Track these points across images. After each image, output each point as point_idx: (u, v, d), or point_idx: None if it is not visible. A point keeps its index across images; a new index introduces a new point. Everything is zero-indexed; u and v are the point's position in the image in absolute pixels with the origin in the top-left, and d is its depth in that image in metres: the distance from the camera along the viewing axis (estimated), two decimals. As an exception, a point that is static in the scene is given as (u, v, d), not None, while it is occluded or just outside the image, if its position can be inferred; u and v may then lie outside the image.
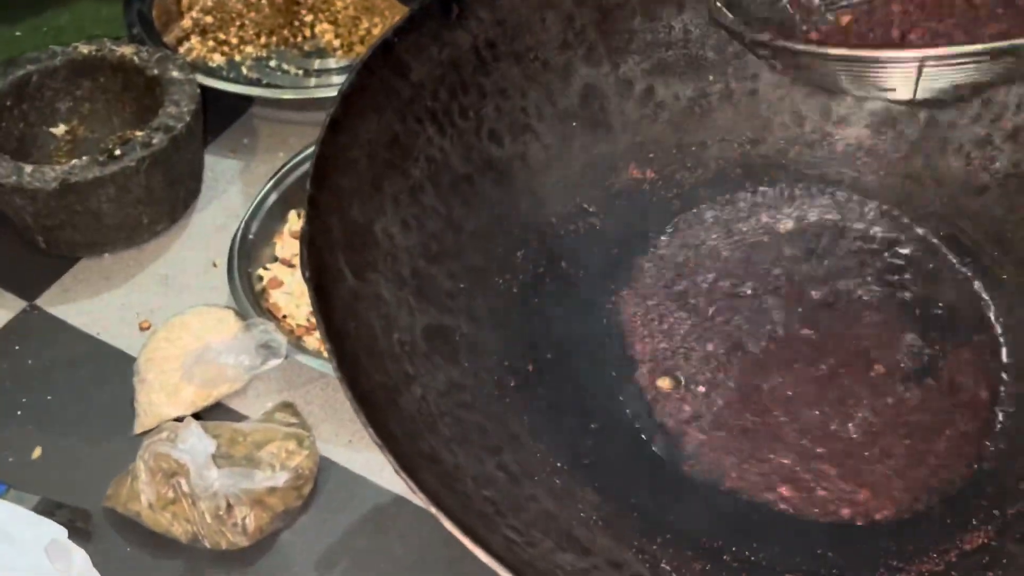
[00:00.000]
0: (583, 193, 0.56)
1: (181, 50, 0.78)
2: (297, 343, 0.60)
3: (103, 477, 0.55)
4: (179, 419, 0.57)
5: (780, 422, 0.50)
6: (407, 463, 0.34)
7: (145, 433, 0.57)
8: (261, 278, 0.64)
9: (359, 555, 0.53)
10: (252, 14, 0.81)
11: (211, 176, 0.72)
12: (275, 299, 0.63)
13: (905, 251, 0.56)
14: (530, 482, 0.43)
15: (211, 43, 0.79)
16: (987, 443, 0.49)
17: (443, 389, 0.43)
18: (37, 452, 0.57)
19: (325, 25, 0.81)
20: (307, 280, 0.38)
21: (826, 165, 0.59)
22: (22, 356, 0.62)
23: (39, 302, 0.65)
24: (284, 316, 0.63)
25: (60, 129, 0.71)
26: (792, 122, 0.59)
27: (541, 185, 0.54)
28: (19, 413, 0.59)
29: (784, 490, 0.47)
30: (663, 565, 0.42)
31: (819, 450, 0.49)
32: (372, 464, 0.57)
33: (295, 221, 0.68)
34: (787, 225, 0.58)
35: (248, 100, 0.77)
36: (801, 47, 0.45)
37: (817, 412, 0.50)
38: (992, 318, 0.53)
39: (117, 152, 0.63)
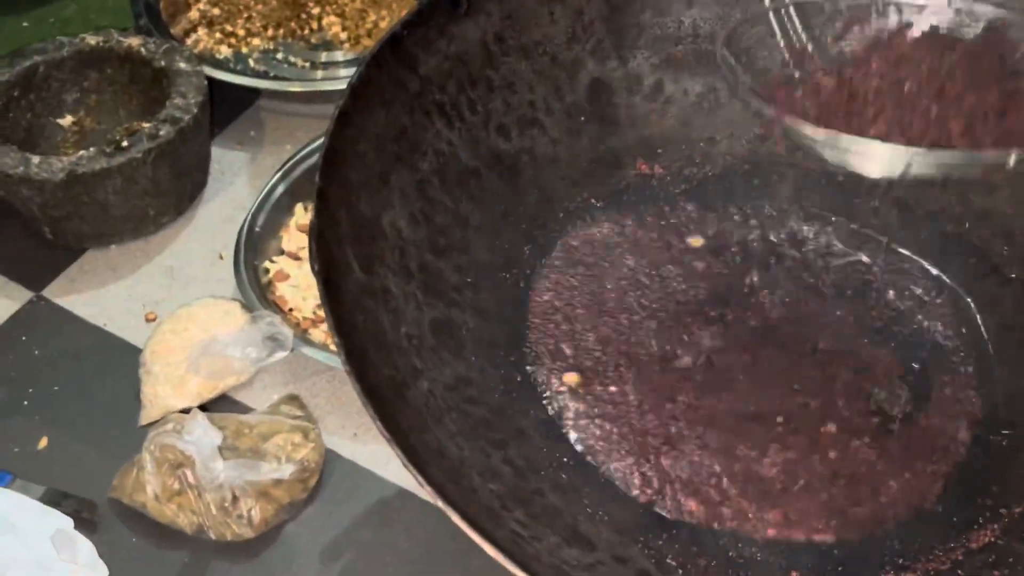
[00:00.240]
0: (590, 188, 0.56)
1: (188, 42, 0.78)
2: (303, 336, 0.60)
3: (108, 468, 0.55)
4: (185, 411, 0.57)
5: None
6: (415, 457, 0.34)
7: (151, 424, 0.58)
8: (267, 271, 0.64)
9: (364, 548, 0.53)
10: (259, 6, 0.81)
11: (217, 168, 0.72)
12: (281, 292, 0.63)
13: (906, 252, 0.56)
14: (536, 477, 0.43)
15: (218, 35, 0.79)
16: (991, 440, 0.48)
17: (450, 383, 0.43)
18: (43, 442, 0.58)
19: (332, 18, 0.81)
20: (316, 273, 0.38)
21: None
22: (28, 347, 0.62)
23: (45, 293, 0.65)
24: (290, 309, 0.63)
25: (67, 120, 0.71)
26: (801, 118, 0.58)
27: (548, 180, 0.54)
28: (25, 403, 0.59)
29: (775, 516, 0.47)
30: (668, 560, 0.42)
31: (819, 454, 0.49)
32: (377, 457, 0.57)
33: (302, 214, 0.68)
34: (787, 222, 0.58)
35: (255, 92, 0.77)
36: (807, 130, 0.45)
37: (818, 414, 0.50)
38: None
39: (124, 144, 0.63)
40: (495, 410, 0.45)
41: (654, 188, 0.57)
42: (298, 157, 0.68)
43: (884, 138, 0.46)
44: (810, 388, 0.51)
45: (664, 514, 0.45)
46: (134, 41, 0.69)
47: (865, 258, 0.57)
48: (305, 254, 0.65)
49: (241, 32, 0.80)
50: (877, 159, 0.45)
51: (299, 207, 0.68)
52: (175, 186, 0.67)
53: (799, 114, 0.46)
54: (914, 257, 0.56)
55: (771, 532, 0.45)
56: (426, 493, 0.52)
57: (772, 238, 0.57)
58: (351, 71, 0.77)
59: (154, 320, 0.64)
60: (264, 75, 0.77)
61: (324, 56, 0.79)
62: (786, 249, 0.57)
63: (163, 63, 0.68)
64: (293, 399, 0.59)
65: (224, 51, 0.78)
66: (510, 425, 0.45)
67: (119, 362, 0.61)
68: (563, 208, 0.54)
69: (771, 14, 0.52)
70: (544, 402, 0.47)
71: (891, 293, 0.55)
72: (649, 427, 0.48)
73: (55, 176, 0.61)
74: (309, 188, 0.67)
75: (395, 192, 0.45)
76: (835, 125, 0.47)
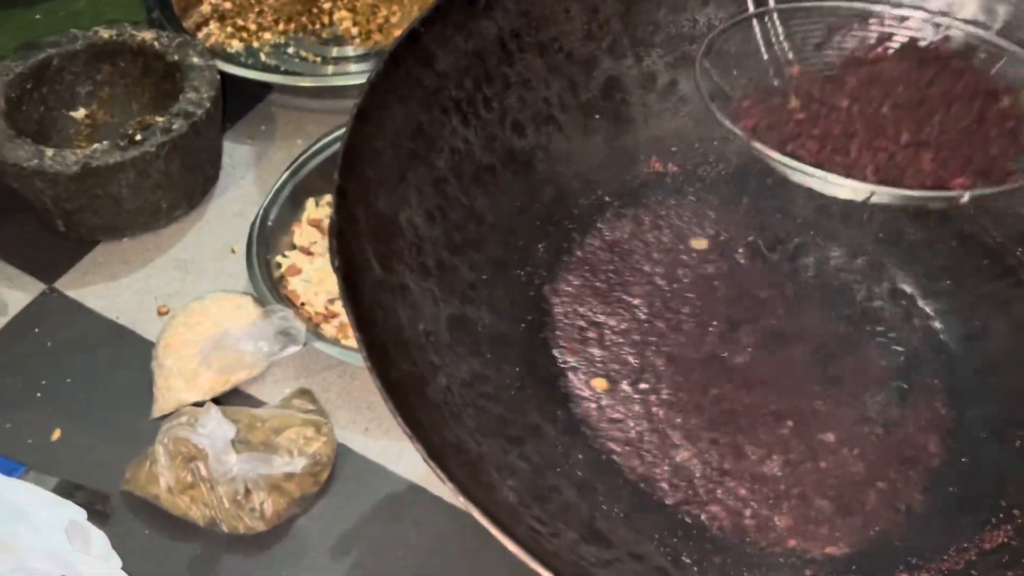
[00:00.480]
0: (605, 186, 0.56)
1: (199, 35, 0.78)
2: (315, 330, 0.60)
3: (121, 460, 0.56)
4: (198, 404, 0.57)
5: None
6: (436, 453, 0.34)
7: (163, 417, 0.58)
8: (279, 265, 0.65)
9: (374, 542, 0.54)
10: (271, 1, 0.81)
11: (229, 162, 0.73)
12: (293, 286, 0.64)
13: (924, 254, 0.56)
14: (552, 473, 0.43)
15: (229, 29, 0.79)
16: (1005, 440, 0.49)
17: (467, 380, 0.43)
18: (56, 434, 0.58)
19: (343, 13, 0.81)
20: (336, 270, 0.38)
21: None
22: (41, 339, 0.62)
23: (58, 285, 0.65)
24: (302, 303, 0.63)
25: (80, 113, 0.71)
26: (816, 118, 0.58)
27: (562, 177, 0.54)
28: (38, 395, 0.59)
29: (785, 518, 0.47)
30: (684, 558, 0.42)
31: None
32: (388, 452, 0.57)
33: (312, 209, 0.68)
34: (801, 220, 0.58)
35: (266, 87, 0.77)
36: (772, 155, 0.46)
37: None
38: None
39: (137, 137, 0.63)
40: (511, 407, 0.45)
41: (668, 186, 0.57)
42: (309, 152, 0.68)
43: (852, 166, 0.46)
44: (831, 391, 0.51)
45: (684, 517, 0.45)
46: (147, 35, 0.69)
47: (878, 257, 0.57)
48: (317, 249, 0.66)
49: (252, 26, 0.80)
50: (840, 189, 0.46)
51: (310, 202, 0.68)
52: (187, 180, 0.67)
53: (766, 139, 0.47)
54: (928, 257, 0.56)
55: (792, 543, 0.46)
56: (439, 489, 0.53)
57: (786, 237, 0.57)
58: (362, 66, 0.77)
59: (166, 313, 0.64)
60: (275, 70, 0.77)
61: (335, 51, 0.79)
62: (800, 249, 0.57)
63: (176, 57, 0.68)
64: (305, 393, 0.59)
65: (235, 45, 0.78)
66: (526, 422, 0.45)
67: (131, 355, 0.61)
68: (577, 205, 0.54)
69: (754, 20, 0.52)
70: (560, 399, 0.48)
71: (905, 293, 0.55)
72: (665, 426, 0.48)
73: (69, 169, 0.61)
74: (320, 183, 0.68)
75: (412, 189, 0.45)
76: (806, 148, 0.47)
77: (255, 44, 0.79)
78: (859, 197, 0.45)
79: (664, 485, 0.46)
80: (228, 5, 0.81)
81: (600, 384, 0.50)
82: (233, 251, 0.67)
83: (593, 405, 0.49)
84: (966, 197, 0.45)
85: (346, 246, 0.39)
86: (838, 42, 0.53)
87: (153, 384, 0.59)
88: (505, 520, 0.34)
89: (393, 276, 0.42)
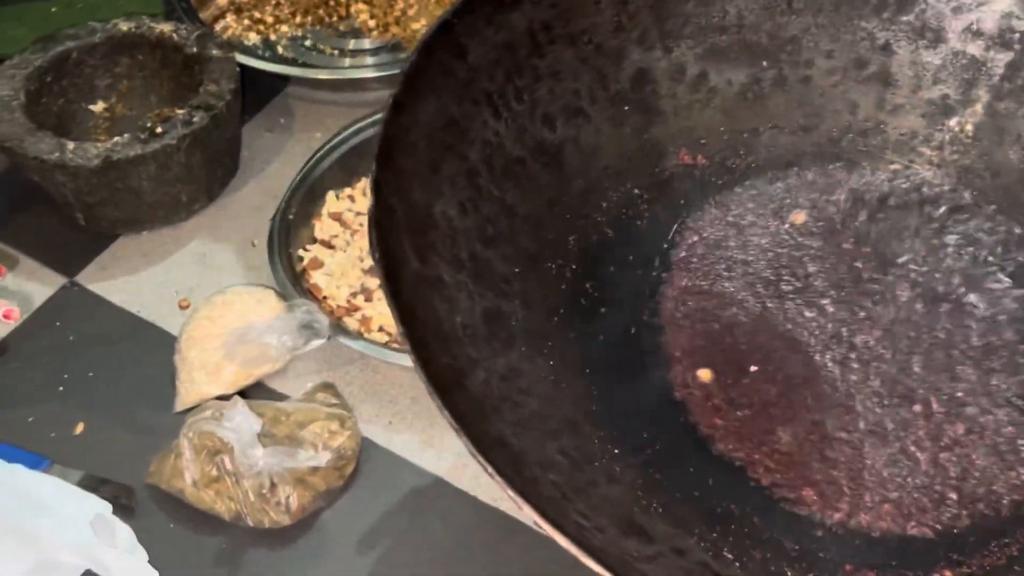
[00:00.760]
0: (634, 178, 0.55)
1: (217, 28, 0.78)
2: (337, 324, 0.60)
3: (145, 453, 0.55)
4: (222, 398, 0.57)
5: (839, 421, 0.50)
6: (482, 447, 0.34)
7: (186, 411, 0.58)
8: (301, 259, 0.64)
9: (399, 536, 0.53)
10: (288, -7, 0.81)
11: (247, 155, 0.72)
12: (315, 280, 0.63)
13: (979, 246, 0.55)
14: (590, 468, 0.43)
15: (246, 22, 0.79)
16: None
17: (504, 373, 0.43)
18: (79, 428, 0.58)
19: (360, 5, 0.81)
20: (377, 263, 0.37)
21: (879, 155, 0.58)
22: (63, 332, 0.62)
23: (79, 279, 0.65)
24: (324, 297, 0.63)
25: (99, 106, 0.70)
26: (845, 110, 0.58)
27: (592, 169, 0.54)
28: (61, 389, 0.59)
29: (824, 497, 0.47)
30: (725, 553, 0.42)
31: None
32: (412, 446, 0.57)
33: (333, 202, 0.68)
34: (836, 218, 0.57)
35: (283, 79, 0.76)
36: None
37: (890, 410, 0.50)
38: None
39: (158, 130, 0.63)
40: (546, 401, 0.44)
41: (697, 179, 0.57)
42: (329, 145, 0.68)
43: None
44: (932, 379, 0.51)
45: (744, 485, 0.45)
46: (166, 27, 0.69)
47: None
48: (338, 242, 0.65)
49: (269, 19, 0.79)
50: None
51: (330, 195, 0.68)
52: (207, 172, 0.67)
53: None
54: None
55: (838, 516, 0.46)
56: (463, 482, 0.53)
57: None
58: (379, 59, 0.77)
59: (187, 307, 0.63)
60: (292, 62, 0.76)
61: (352, 43, 0.79)
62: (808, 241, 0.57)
63: (195, 49, 0.68)
64: (328, 387, 0.59)
65: (252, 38, 0.78)
66: (562, 416, 0.45)
67: (153, 348, 0.61)
68: (607, 198, 0.54)
69: None
70: (594, 391, 0.47)
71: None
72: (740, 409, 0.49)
73: (90, 162, 0.61)
74: (340, 177, 0.68)
75: (445, 181, 0.45)
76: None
77: (272, 37, 0.78)
78: None
79: (700, 479, 0.45)
80: (245, -3, 0.80)
81: (704, 375, 0.51)
82: (253, 244, 0.67)
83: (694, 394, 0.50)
84: None
85: (385, 238, 0.39)
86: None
87: (176, 378, 0.59)
88: (554, 515, 0.33)
89: (429, 268, 0.42)
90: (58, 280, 0.65)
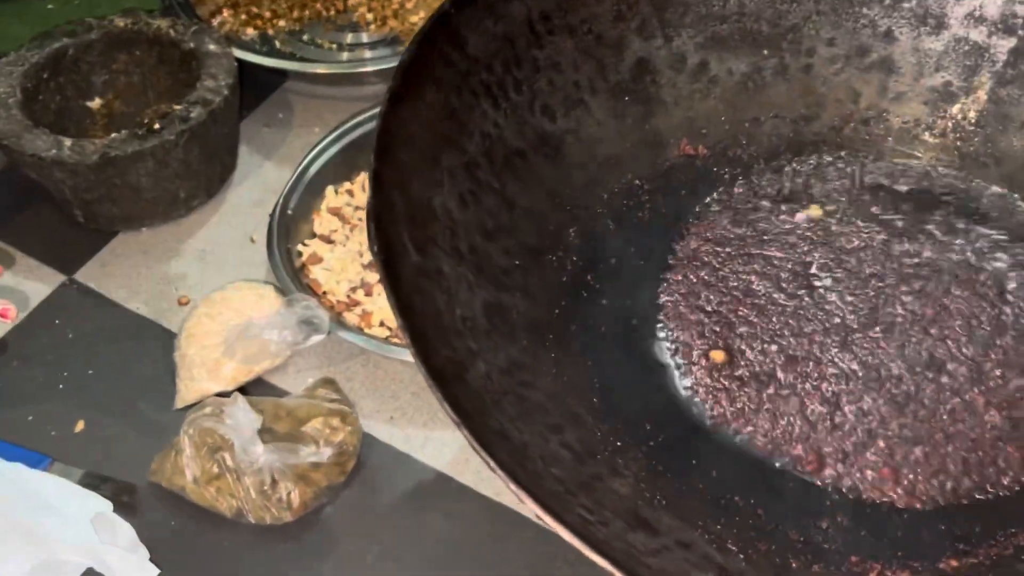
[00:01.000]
0: (635, 169, 0.55)
1: (214, 23, 0.77)
2: (337, 319, 0.60)
3: (145, 451, 0.55)
4: (222, 394, 0.57)
5: (841, 400, 0.50)
6: (483, 440, 0.34)
7: (186, 408, 0.57)
8: (300, 254, 0.64)
9: (402, 531, 0.53)
10: (285, -13, 0.80)
11: (246, 151, 0.72)
12: (315, 275, 0.63)
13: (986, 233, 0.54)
14: (593, 461, 0.42)
15: (244, 16, 0.78)
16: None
17: (504, 367, 0.42)
18: (80, 426, 0.57)
19: (358, -2, 0.80)
20: (375, 255, 0.37)
21: (881, 143, 0.58)
22: (62, 330, 0.62)
23: (78, 276, 0.65)
24: (324, 292, 0.62)
25: (96, 103, 0.70)
26: (847, 98, 0.58)
27: (593, 161, 0.53)
28: (61, 387, 0.59)
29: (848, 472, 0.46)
30: (729, 545, 0.41)
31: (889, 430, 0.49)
32: (414, 441, 0.57)
33: (332, 197, 0.67)
34: (837, 207, 0.57)
35: (281, 74, 0.76)
36: None
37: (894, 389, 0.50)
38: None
39: (156, 126, 0.63)
40: (548, 395, 0.44)
41: (699, 169, 0.56)
42: (327, 140, 0.68)
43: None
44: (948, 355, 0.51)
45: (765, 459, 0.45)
46: (163, 23, 0.69)
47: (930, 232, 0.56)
48: (337, 237, 0.65)
49: (267, 13, 0.79)
50: None
51: (330, 190, 0.67)
52: (206, 168, 0.66)
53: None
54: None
55: (828, 472, 0.46)
56: (465, 477, 0.52)
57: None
58: (377, 52, 0.77)
59: (187, 304, 0.63)
60: (290, 57, 0.76)
61: (350, 37, 0.78)
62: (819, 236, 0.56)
63: (192, 45, 0.67)
64: (329, 383, 0.59)
65: (250, 32, 0.78)
66: (564, 409, 0.44)
67: (153, 345, 0.61)
68: (608, 190, 0.54)
69: None
70: (598, 383, 0.47)
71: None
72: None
73: (88, 159, 0.61)
74: (339, 171, 0.68)
75: (444, 173, 0.45)
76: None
77: (270, 31, 0.78)
78: None
79: (704, 470, 0.45)
80: (242, -8, 0.80)
81: (717, 356, 0.51)
82: (252, 240, 0.67)
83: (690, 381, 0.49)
84: None
85: (384, 231, 0.39)
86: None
87: (176, 375, 0.59)
88: (557, 509, 0.33)
89: (429, 261, 0.41)
90: (57, 278, 0.64)
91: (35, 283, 0.64)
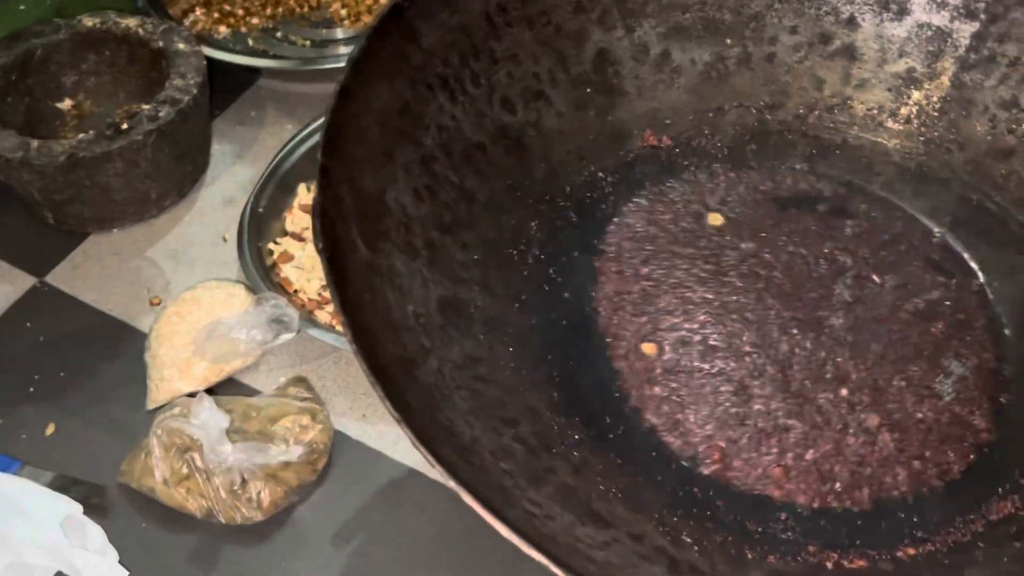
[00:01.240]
0: (598, 161, 0.55)
1: (186, 22, 0.77)
2: (309, 317, 0.60)
3: (116, 453, 0.55)
4: (192, 395, 0.57)
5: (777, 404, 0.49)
6: (424, 436, 0.34)
7: (158, 409, 0.57)
8: (271, 252, 0.64)
9: (374, 529, 0.53)
10: (257, -16, 0.80)
11: (219, 150, 0.72)
12: (286, 273, 0.63)
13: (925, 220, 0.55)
14: (548, 455, 0.42)
15: (216, 15, 0.78)
16: (1013, 411, 0.48)
17: (459, 362, 0.42)
18: (51, 429, 0.57)
19: (332, -6, 0.80)
20: (320, 251, 0.37)
21: (846, 130, 0.57)
22: (33, 333, 0.62)
23: (49, 279, 0.64)
24: (295, 291, 0.62)
25: (66, 104, 0.70)
26: (811, 86, 0.57)
27: (555, 153, 0.53)
28: (31, 390, 0.59)
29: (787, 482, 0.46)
30: (684, 537, 0.41)
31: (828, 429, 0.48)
32: (386, 438, 0.56)
33: (304, 195, 0.67)
34: (798, 196, 0.57)
35: (255, 72, 0.76)
36: None
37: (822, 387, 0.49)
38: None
39: (124, 126, 0.62)
40: (505, 389, 0.44)
41: (662, 160, 0.56)
42: (300, 137, 0.68)
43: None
44: (844, 364, 0.51)
45: (692, 467, 0.45)
46: (132, 22, 0.68)
47: (880, 227, 0.55)
48: (309, 235, 0.65)
49: (239, 11, 0.79)
50: None
51: (302, 187, 0.67)
52: (176, 168, 0.66)
53: None
54: (930, 226, 0.55)
55: (776, 493, 0.45)
56: (437, 473, 0.52)
57: (784, 209, 0.56)
58: (352, 49, 0.76)
59: (158, 304, 0.63)
60: (263, 54, 0.76)
61: (324, 34, 0.78)
62: (798, 222, 0.56)
63: (161, 44, 0.67)
64: (300, 381, 0.58)
65: (223, 31, 0.77)
66: (521, 403, 0.44)
67: (125, 347, 0.61)
68: (570, 182, 0.53)
69: None
70: (557, 377, 0.47)
71: (910, 265, 0.54)
72: (678, 396, 0.48)
73: (55, 160, 0.61)
74: (312, 168, 0.66)
75: (399, 168, 0.45)
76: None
77: (243, 29, 0.78)
78: None
79: (659, 464, 0.45)
80: (214, -10, 0.79)
81: (649, 348, 0.50)
82: (225, 239, 0.67)
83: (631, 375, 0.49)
84: None
85: (330, 227, 0.38)
86: None
87: (147, 375, 0.59)
88: (498, 503, 0.33)
89: (380, 257, 0.41)
90: (28, 280, 0.64)
91: (5, 286, 0.64)
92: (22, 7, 0.76)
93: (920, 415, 0.48)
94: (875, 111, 0.57)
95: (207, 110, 0.68)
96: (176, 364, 0.58)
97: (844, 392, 0.49)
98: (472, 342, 0.44)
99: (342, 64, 0.72)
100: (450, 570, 0.51)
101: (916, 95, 0.57)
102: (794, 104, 0.57)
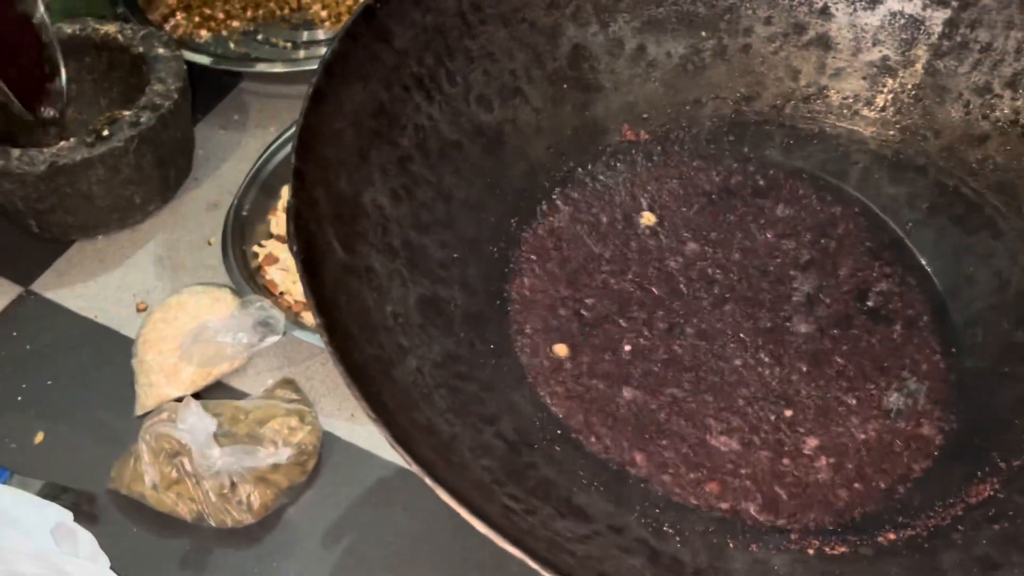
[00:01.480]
0: (576, 157, 0.55)
1: (167, 27, 0.77)
2: (295, 319, 0.60)
3: (106, 460, 0.55)
4: (180, 399, 0.57)
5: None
6: (402, 435, 0.34)
7: (146, 414, 0.57)
8: (256, 255, 0.64)
9: (365, 528, 0.53)
10: (237, -13, 0.80)
11: (202, 154, 0.72)
12: (271, 276, 0.63)
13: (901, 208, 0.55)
14: (529, 450, 0.42)
15: (197, 19, 0.78)
16: (989, 392, 0.48)
17: (439, 360, 0.42)
18: (39, 437, 0.57)
19: (312, -4, 0.80)
20: (295, 254, 0.37)
21: (822, 120, 0.57)
22: (20, 342, 0.62)
23: (34, 287, 0.65)
24: (281, 293, 0.62)
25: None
26: (787, 76, 0.57)
27: (533, 150, 0.53)
28: (19, 399, 0.59)
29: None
30: (666, 529, 0.41)
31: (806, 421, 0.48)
32: (375, 437, 0.57)
33: (288, 196, 0.67)
34: (775, 180, 0.57)
35: (237, 75, 0.76)
36: None
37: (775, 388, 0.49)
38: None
39: (105, 133, 0.62)
40: (486, 385, 0.44)
41: (640, 155, 0.56)
42: (283, 139, 0.68)
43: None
44: (806, 356, 0.50)
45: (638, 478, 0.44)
46: (110, 28, 0.68)
47: (854, 215, 0.56)
48: (291, 236, 0.65)
49: (220, 15, 0.79)
50: None
51: (286, 189, 0.67)
52: (159, 173, 0.66)
53: None
54: (906, 213, 0.55)
55: (722, 504, 0.45)
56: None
57: (759, 200, 0.56)
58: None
59: (145, 310, 0.63)
60: (245, 57, 0.76)
61: (305, 35, 0.78)
62: (772, 212, 0.56)
63: (141, 49, 0.67)
64: (288, 383, 0.59)
65: (204, 35, 0.77)
66: (502, 399, 0.44)
67: (112, 353, 0.61)
68: (549, 178, 0.54)
69: None
70: (534, 375, 0.47)
71: (885, 252, 0.55)
72: (641, 399, 0.48)
73: (36, 168, 0.61)
74: (295, 170, 0.67)
75: (375, 169, 0.45)
76: None
77: (224, 32, 0.78)
78: None
79: (638, 458, 0.45)
80: (194, -5, 0.79)
81: (574, 358, 0.49)
82: (210, 243, 0.67)
83: (568, 379, 0.48)
84: None
85: (305, 229, 0.39)
86: None
87: (135, 381, 0.59)
88: (476, 500, 0.33)
89: (357, 258, 0.41)
90: (13, 290, 0.64)
91: (-8, 296, 0.64)
92: (3, 16, 0.76)
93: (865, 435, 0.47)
94: (851, 100, 0.58)
95: (189, 114, 0.68)
96: (163, 369, 0.58)
97: (788, 413, 0.48)
98: (452, 340, 0.44)
99: (323, 65, 0.73)
100: (440, 567, 0.51)
101: (891, 83, 0.57)
102: (770, 95, 0.57)
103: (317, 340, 0.58)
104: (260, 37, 0.78)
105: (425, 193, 0.46)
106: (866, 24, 0.56)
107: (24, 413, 0.58)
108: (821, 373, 0.49)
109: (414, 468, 0.32)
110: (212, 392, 0.59)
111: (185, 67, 0.67)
